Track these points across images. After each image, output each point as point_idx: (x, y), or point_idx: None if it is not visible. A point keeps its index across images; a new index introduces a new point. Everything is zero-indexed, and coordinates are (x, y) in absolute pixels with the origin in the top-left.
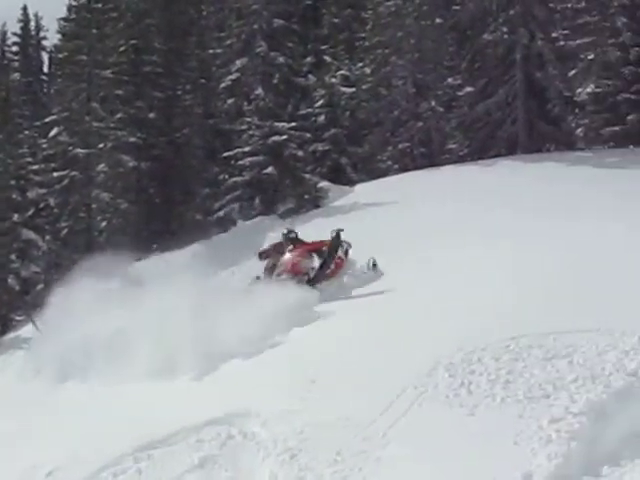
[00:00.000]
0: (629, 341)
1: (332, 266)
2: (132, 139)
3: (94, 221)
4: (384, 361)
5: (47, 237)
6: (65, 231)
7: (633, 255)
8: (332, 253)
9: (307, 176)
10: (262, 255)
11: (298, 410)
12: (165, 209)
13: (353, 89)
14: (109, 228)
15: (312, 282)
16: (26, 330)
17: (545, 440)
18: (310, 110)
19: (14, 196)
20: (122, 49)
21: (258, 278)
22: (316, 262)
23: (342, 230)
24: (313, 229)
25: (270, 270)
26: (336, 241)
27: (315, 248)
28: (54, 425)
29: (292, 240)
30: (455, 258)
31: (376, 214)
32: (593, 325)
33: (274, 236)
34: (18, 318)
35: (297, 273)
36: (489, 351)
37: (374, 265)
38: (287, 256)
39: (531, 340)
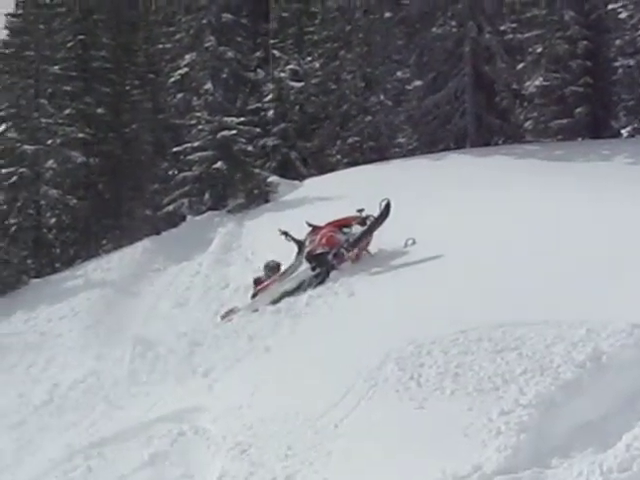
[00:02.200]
0: (577, 333)
1: (370, 238)
2: (81, 135)
3: (43, 218)
4: (334, 355)
5: None
6: (14, 228)
7: (579, 246)
8: (379, 222)
9: (256, 171)
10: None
11: (248, 405)
12: (114, 205)
13: (302, 83)
14: (58, 225)
15: (352, 246)
16: None
17: (495, 432)
18: (259, 105)
19: None
20: (70, 45)
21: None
22: (348, 236)
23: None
24: (263, 224)
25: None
26: (385, 212)
27: (344, 224)
28: None
29: (311, 226)
30: (405, 252)
31: (325, 208)
32: (541, 317)
33: (224, 231)
34: None
35: (333, 245)
36: (438, 344)
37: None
38: (317, 236)
39: (480, 333)
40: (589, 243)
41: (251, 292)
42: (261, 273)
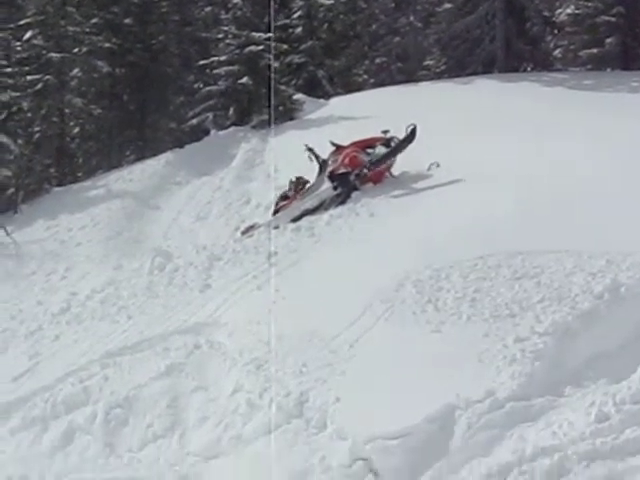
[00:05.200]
0: (596, 263)
1: (394, 160)
2: (107, 45)
3: (67, 126)
4: (352, 275)
5: (19, 141)
6: (37, 135)
7: (605, 178)
8: (403, 145)
9: (282, 87)
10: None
11: (265, 322)
12: (139, 116)
13: (332, 1)
14: (82, 134)
15: (373, 166)
16: None
17: (509, 359)
18: (287, 21)
19: None
20: None
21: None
22: (372, 157)
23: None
24: (286, 141)
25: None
26: (411, 136)
27: (368, 144)
28: None
29: (335, 145)
30: (428, 175)
31: (350, 128)
32: (562, 246)
33: (247, 147)
34: None
35: (356, 165)
36: (457, 269)
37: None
38: (340, 156)
39: (499, 259)
40: (616, 174)
41: (272, 209)
42: (285, 189)
